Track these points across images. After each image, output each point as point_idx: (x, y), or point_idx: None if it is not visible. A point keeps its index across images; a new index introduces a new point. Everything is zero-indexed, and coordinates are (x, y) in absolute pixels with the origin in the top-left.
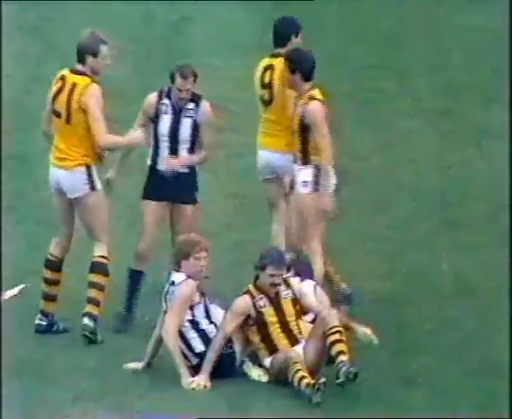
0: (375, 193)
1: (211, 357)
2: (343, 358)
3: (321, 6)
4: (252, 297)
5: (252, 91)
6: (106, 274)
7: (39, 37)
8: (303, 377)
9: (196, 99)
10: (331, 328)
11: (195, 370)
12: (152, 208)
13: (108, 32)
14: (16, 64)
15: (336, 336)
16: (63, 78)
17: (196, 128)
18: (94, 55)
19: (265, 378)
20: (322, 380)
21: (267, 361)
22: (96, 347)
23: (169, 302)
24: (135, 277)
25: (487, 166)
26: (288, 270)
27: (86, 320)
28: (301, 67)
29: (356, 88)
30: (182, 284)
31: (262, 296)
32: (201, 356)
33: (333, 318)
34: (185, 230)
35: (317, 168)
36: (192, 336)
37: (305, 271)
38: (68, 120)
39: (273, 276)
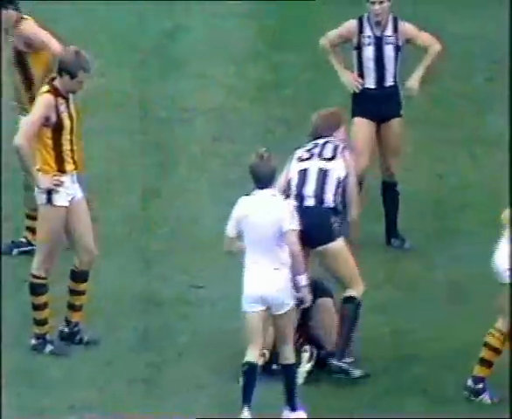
0: (368, 201)
1: None
2: None
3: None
4: None
5: (247, 98)
6: (32, 293)
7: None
8: None
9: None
10: None
11: None
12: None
13: (102, 39)
14: None
15: None
16: None
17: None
18: (72, 77)
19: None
20: None
21: None
22: (91, 356)
23: None
24: None
25: (480, 175)
26: None
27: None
28: None
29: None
30: None
31: None
32: None
33: None
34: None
35: None
36: None
37: None
38: None
39: None
